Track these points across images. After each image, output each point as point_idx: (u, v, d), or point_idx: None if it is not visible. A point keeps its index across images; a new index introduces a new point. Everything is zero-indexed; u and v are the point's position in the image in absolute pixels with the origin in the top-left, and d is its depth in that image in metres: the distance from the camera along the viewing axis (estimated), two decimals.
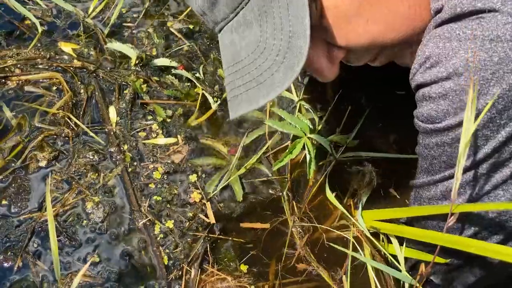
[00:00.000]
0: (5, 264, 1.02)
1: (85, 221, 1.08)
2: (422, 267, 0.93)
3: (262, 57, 0.80)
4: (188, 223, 1.08)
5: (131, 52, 1.28)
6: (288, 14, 0.77)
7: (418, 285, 0.94)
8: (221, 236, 1.07)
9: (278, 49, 0.78)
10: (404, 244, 0.96)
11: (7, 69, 1.30)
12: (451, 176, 0.83)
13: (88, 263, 0.90)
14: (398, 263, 0.96)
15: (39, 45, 1.35)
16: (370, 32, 0.83)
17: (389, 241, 1.01)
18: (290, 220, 1.09)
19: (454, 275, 0.95)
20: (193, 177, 1.15)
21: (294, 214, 1.10)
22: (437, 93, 0.76)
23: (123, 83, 1.28)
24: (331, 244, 1.05)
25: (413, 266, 1.00)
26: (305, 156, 1.10)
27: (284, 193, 1.13)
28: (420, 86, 0.80)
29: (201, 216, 1.09)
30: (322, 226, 1.09)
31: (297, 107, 1.24)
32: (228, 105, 0.85)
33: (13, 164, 1.15)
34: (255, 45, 0.81)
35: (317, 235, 1.09)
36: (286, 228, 1.09)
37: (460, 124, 0.76)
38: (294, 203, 1.12)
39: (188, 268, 1.02)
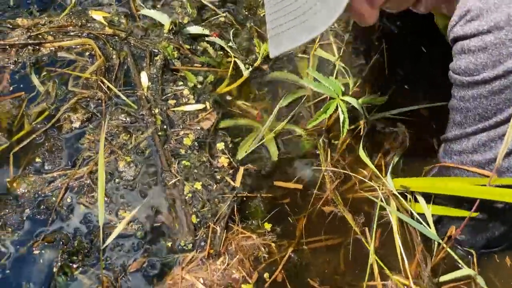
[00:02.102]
0: (39, 217, 1.04)
1: (117, 179, 1.10)
2: (453, 229, 0.94)
3: None
4: (216, 185, 1.09)
5: (164, 19, 1.31)
6: None
7: (443, 243, 0.94)
8: (249, 194, 1.09)
9: None
10: (431, 202, 0.96)
11: (40, 36, 1.33)
12: (484, 129, 0.84)
13: (127, 219, 0.92)
14: (426, 223, 0.96)
15: (70, 13, 1.37)
16: None
17: (416, 201, 1.01)
18: (323, 162, 1.11)
19: (479, 230, 0.96)
20: (220, 145, 1.16)
21: (327, 162, 1.11)
22: (476, 46, 0.77)
23: (154, 50, 1.30)
24: (359, 192, 1.06)
25: (437, 221, 1.00)
26: (339, 118, 1.11)
27: (320, 140, 1.15)
28: (459, 38, 0.80)
29: (228, 179, 1.10)
30: (352, 174, 1.10)
31: (335, 69, 1.24)
32: (268, 42, 0.86)
33: (44, 124, 1.16)
34: None
35: (347, 186, 1.10)
36: (319, 174, 1.11)
37: (497, 77, 0.77)
38: (329, 150, 1.13)
39: (214, 227, 1.03)
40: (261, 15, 1.39)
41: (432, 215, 0.96)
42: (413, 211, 0.99)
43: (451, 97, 0.87)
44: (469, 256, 0.99)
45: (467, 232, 0.96)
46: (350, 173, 1.10)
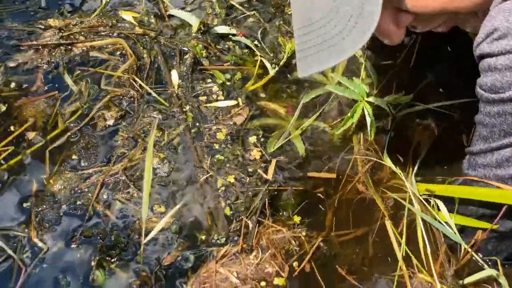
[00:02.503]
0: (75, 213, 1.06)
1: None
2: (479, 233, 0.94)
3: (334, 21, 0.84)
4: (248, 178, 1.11)
5: (192, 19, 1.33)
6: None
7: (467, 247, 0.95)
8: (280, 188, 1.10)
9: (350, 14, 0.82)
10: (455, 211, 0.97)
11: (72, 36, 1.36)
12: (508, 145, 0.84)
13: (168, 216, 0.94)
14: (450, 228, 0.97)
15: (101, 14, 1.40)
16: (439, 1, 0.85)
17: (439, 209, 1.01)
18: (355, 145, 1.13)
19: (502, 240, 0.96)
20: (252, 138, 1.18)
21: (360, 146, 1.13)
22: (503, 65, 0.78)
23: (184, 48, 1.33)
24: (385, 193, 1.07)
25: (460, 231, 1.01)
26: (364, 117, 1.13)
27: (353, 127, 1.16)
28: (485, 56, 0.81)
29: (260, 172, 1.12)
30: (383, 161, 1.11)
31: (361, 69, 1.26)
32: (297, 65, 0.89)
33: (78, 122, 1.19)
34: (328, 10, 0.85)
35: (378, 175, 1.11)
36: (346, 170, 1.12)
37: None
38: (362, 135, 1.15)
39: (247, 221, 1.04)
40: (288, 13, 1.41)
41: (455, 225, 0.97)
42: (436, 215, 1.00)
43: (477, 111, 0.88)
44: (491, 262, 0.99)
45: (490, 243, 0.97)
46: (380, 161, 1.11)
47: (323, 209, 1.07)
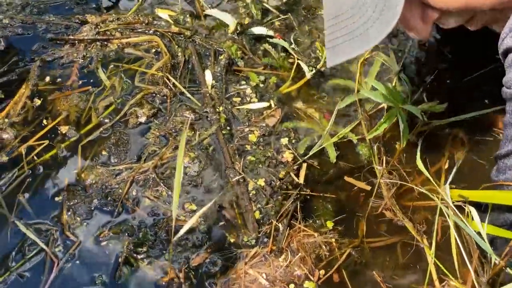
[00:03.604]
0: (105, 209, 1.07)
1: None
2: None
3: (360, 12, 0.86)
4: (279, 181, 1.10)
5: (230, 19, 1.33)
6: None
7: (500, 260, 0.93)
8: (312, 193, 1.09)
9: (375, 5, 0.85)
10: (487, 220, 0.95)
11: (108, 32, 1.37)
12: None
13: (198, 215, 0.94)
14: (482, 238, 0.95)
15: (137, 11, 1.41)
16: None
17: (473, 218, 0.99)
18: (377, 170, 1.10)
19: None
20: (284, 140, 1.17)
21: (383, 168, 1.10)
22: None
23: (219, 49, 1.33)
24: (417, 203, 1.06)
25: (491, 242, 0.99)
26: (397, 122, 1.11)
27: (375, 146, 1.14)
28: (509, 51, 0.80)
29: (292, 175, 1.11)
30: (407, 183, 1.09)
31: (394, 78, 1.24)
32: (326, 55, 0.91)
33: (110, 118, 1.20)
34: (355, 2, 0.87)
35: (403, 192, 1.09)
36: (374, 179, 1.10)
37: None
38: (384, 158, 1.12)
39: (277, 224, 1.04)
40: (322, 16, 1.40)
41: (487, 235, 0.95)
42: (467, 224, 0.98)
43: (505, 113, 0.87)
44: None
45: None
46: (407, 181, 1.09)
47: (354, 217, 1.06)
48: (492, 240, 0.96)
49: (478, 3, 0.86)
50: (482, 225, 0.94)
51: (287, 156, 1.14)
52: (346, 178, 1.11)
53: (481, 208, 0.94)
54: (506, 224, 0.92)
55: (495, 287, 0.93)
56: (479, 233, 0.93)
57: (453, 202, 0.98)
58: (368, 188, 1.09)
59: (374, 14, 0.85)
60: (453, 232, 0.96)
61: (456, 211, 0.95)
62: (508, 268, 0.92)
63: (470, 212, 0.95)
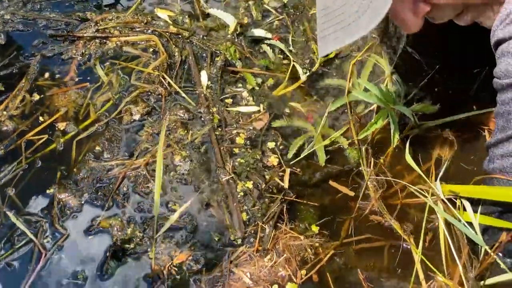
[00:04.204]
0: (96, 203, 1.08)
1: (172, 172, 1.13)
2: (504, 236, 0.92)
3: (350, 2, 0.87)
4: (265, 185, 1.11)
5: (230, 20, 1.34)
6: None
7: (491, 251, 0.93)
8: (297, 200, 1.10)
9: None
10: (479, 210, 0.96)
11: (107, 30, 1.38)
12: None
13: (179, 211, 0.96)
14: (474, 230, 0.95)
15: (137, 10, 1.43)
16: None
17: (465, 210, 1.00)
18: (365, 172, 1.10)
19: None
20: (271, 144, 1.18)
21: (371, 169, 1.11)
22: None
23: (215, 50, 1.34)
24: (405, 201, 1.06)
25: (483, 231, 0.99)
26: (387, 123, 1.12)
27: (363, 148, 1.14)
28: (500, 42, 0.82)
29: (277, 180, 1.12)
30: (397, 180, 1.09)
31: (386, 79, 1.25)
32: (318, 45, 0.92)
33: (106, 115, 1.22)
34: None
35: (391, 192, 1.09)
36: (362, 181, 1.11)
37: None
38: (372, 160, 1.13)
39: (263, 225, 1.05)
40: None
41: (479, 225, 0.95)
42: (460, 218, 0.98)
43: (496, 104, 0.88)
44: None
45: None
46: (397, 179, 1.09)
47: (340, 221, 1.06)
48: (484, 231, 0.96)
49: None
50: (475, 215, 0.95)
51: (272, 160, 1.15)
52: (330, 182, 1.11)
53: (472, 203, 0.95)
54: (496, 212, 0.93)
55: (483, 282, 0.93)
56: (471, 224, 0.93)
57: (445, 197, 0.98)
58: (352, 194, 1.09)
59: (365, 2, 0.85)
60: (442, 227, 0.96)
61: (449, 204, 0.96)
62: (498, 259, 0.92)
63: (462, 204, 0.95)
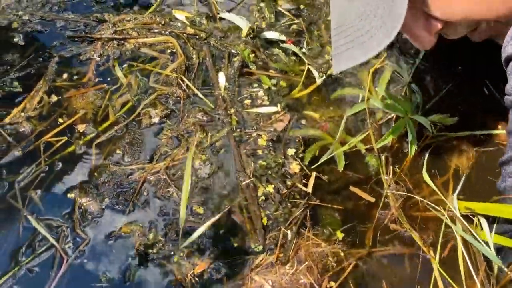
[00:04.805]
0: (117, 207, 1.08)
1: (192, 176, 1.13)
2: None
3: (364, 22, 0.88)
4: (286, 190, 1.11)
5: (242, 23, 1.34)
6: None
7: (507, 270, 0.93)
8: (321, 203, 1.09)
9: (381, 15, 0.86)
10: (493, 229, 0.95)
11: (125, 31, 1.38)
12: None
13: (210, 222, 0.97)
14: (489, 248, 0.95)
15: (155, 11, 1.43)
16: (465, 9, 0.88)
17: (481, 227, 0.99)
18: (385, 181, 1.10)
19: None
20: (291, 151, 1.17)
21: (390, 178, 1.10)
22: None
23: (233, 51, 1.33)
24: (424, 213, 1.06)
25: (498, 251, 0.99)
26: (406, 133, 1.12)
27: (383, 156, 1.14)
28: (510, 58, 0.82)
29: (299, 185, 1.11)
30: (416, 191, 1.09)
31: (404, 88, 1.24)
32: (332, 61, 0.93)
33: (124, 117, 1.22)
34: (361, 11, 0.89)
35: (411, 202, 1.09)
36: (381, 189, 1.11)
37: None
38: (392, 168, 1.12)
39: (286, 231, 1.04)
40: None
41: (494, 244, 0.95)
42: (475, 234, 0.98)
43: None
44: None
45: None
46: (415, 190, 1.09)
47: (362, 229, 1.06)
48: (498, 251, 0.96)
49: (480, 15, 0.89)
50: (490, 235, 0.95)
51: (294, 167, 1.14)
52: (351, 188, 1.11)
53: (489, 219, 0.94)
54: (509, 231, 0.92)
55: None
56: (486, 243, 0.93)
57: (460, 214, 0.98)
58: (373, 200, 1.09)
59: (378, 23, 0.86)
60: (459, 245, 0.96)
61: (464, 222, 0.95)
62: None
63: (479, 222, 0.95)
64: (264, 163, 1.14)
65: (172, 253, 1.01)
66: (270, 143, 1.18)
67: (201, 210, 1.08)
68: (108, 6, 1.46)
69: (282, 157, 1.15)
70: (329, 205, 1.09)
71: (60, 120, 1.22)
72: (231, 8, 1.43)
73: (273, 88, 1.28)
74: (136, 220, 1.07)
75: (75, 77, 1.32)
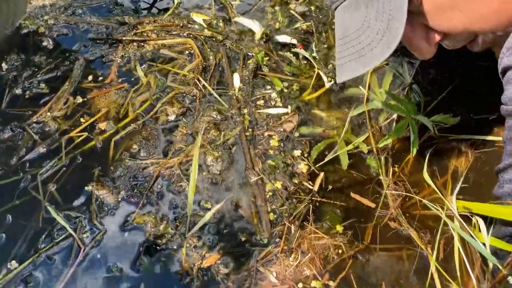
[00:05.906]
0: (131, 200, 1.13)
1: (204, 172, 1.17)
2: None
3: (365, 34, 0.92)
4: (293, 187, 1.14)
5: (256, 27, 1.38)
6: (390, 0, 0.88)
7: (502, 268, 0.94)
8: (323, 200, 1.13)
9: (379, 28, 0.90)
10: (491, 231, 0.96)
11: (145, 34, 1.44)
12: None
13: (213, 211, 1.00)
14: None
15: (173, 14, 1.48)
16: (462, 21, 0.90)
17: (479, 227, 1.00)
18: (384, 182, 1.12)
19: None
20: (298, 152, 1.21)
21: (390, 178, 1.13)
22: None
23: (248, 53, 1.38)
24: (423, 212, 1.08)
25: (494, 253, 1.00)
26: (408, 132, 1.14)
27: (383, 157, 1.16)
28: (506, 69, 0.83)
29: (305, 183, 1.15)
30: (415, 189, 1.11)
31: (406, 89, 1.27)
32: (336, 72, 0.98)
33: (142, 115, 1.27)
34: (360, 24, 0.93)
35: (410, 202, 1.11)
36: (382, 190, 1.13)
37: None
38: (391, 169, 1.15)
39: (289, 225, 1.08)
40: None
41: (490, 246, 0.96)
42: (473, 235, 0.99)
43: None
44: None
45: None
46: (415, 189, 1.11)
47: (362, 225, 1.09)
48: (495, 252, 0.97)
49: (478, 27, 0.90)
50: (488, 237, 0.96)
51: (302, 167, 1.18)
52: (352, 194, 1.14)
53: (487, 220, 0.95)
54: (507, 236, 0.94)
55: None
56: (483, 244, 0.95)
57: (458, 213, 1.00)
58: (373, 205, 1.11)
59: (378, 36, 0.90)
60: (456, 242, 0.98)
61: (462, 221, 0.97)
62: (510, 277, 0.93)
63: (477, 222, 0.97)
64: (274, 161, 1.18)
65: (181, 244, 1.05)
66: (281, 143, 1.22)
67: (210, 204, 1.11)
68: (128, 9, 1.52)
69: (290, 157, 1.19)
70: (332, 202, 1.12)
71: (82, 119, 1.28)
72: (247, 10, 1.47)
73: (285, 90, 1.31)
74: (149, 212, 1.11)
75: (100, 78, 1.37)
